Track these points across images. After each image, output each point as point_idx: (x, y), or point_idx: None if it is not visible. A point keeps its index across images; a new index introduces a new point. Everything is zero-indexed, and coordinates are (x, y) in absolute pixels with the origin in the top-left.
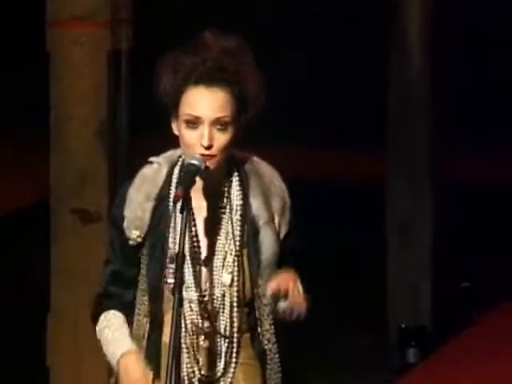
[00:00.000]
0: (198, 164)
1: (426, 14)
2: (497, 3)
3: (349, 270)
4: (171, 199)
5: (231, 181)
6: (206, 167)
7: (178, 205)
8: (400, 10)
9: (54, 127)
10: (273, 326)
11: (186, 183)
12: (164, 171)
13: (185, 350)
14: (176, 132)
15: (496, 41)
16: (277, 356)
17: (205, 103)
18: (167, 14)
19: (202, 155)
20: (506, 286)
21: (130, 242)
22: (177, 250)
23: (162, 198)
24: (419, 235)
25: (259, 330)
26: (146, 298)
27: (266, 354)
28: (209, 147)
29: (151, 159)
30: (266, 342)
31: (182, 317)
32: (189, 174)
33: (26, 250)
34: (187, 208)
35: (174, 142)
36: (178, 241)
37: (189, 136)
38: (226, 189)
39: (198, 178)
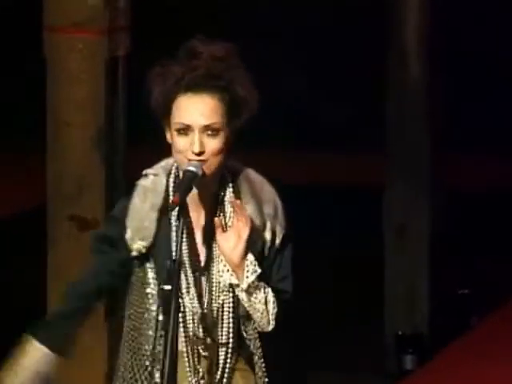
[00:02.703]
0: (196, 170)
1: (423, 14)
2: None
3: (346, 275)
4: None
5: (225, 189)
6: (203, 174)
7: (175, 212)
8: (397, 11)
9: (50, 133)
10: (256, 330)
11: (183, 189)
12: (163, 181)
13: (186, 359)
14: (169, 140)
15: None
16: (261, 361)
17: (194, 111)
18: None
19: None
20: (503, 288)
21: (133, 254)
22: (174, 257)
23: (165, 209)
24: (417, 239)
25: (245, 335)
26: (155, 310)
27: (253, 358)
28: (200, 153)
29: (146, 171)
30: (251, 347)
31: (183, 326)
32: (186, 181)
33: (22, 257)
34: (183, 215)
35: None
36: (176, 248)
37: (180, 142)
38: (220, 197)
39: (193, 187)
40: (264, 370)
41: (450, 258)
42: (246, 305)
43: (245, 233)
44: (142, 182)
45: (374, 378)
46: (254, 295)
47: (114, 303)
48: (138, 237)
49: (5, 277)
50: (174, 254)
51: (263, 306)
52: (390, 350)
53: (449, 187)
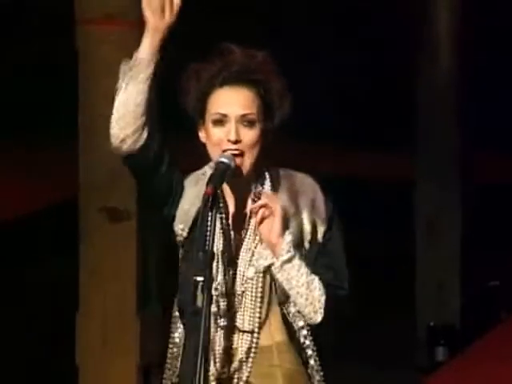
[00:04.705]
0: (228, 162)
1: (454, 13)
2: None
3: (378, 269)
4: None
5: (263, 183)
6: (237, 167)
7: (208, 203)
8: (429, 9)
9: (82, 125)
10: (306, 322)
11: (216, 181)
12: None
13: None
14: (203, 140)
15: None
16: (315, 354)
17: (231, 101)
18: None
19: (231, 153)
20: None
21: (177, 238)
22: (207, 248)
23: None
24: (447, 234)
25: (294, 327)
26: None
27: (306, 352)
28: (236, 142)
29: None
30: (302, 340)
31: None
32: (218, 172)
33: (54, 249)
34: (217, 206)
35: None
36: (209, 239)
37: (215, 133)
38: (257, 192)
39: (225, 184)
40: (319, 363)
41: (480, 252)
42: (286, 287)
43: (277, 210)
44: (196, 173)
45: (404, 371)
46: (296, 278)
47: (147, 295)
48: (179, 220)
49: (36, 270)
50: (206, 245)
51: (306, 291)
52: (421, 344)
53: (479, 182)
